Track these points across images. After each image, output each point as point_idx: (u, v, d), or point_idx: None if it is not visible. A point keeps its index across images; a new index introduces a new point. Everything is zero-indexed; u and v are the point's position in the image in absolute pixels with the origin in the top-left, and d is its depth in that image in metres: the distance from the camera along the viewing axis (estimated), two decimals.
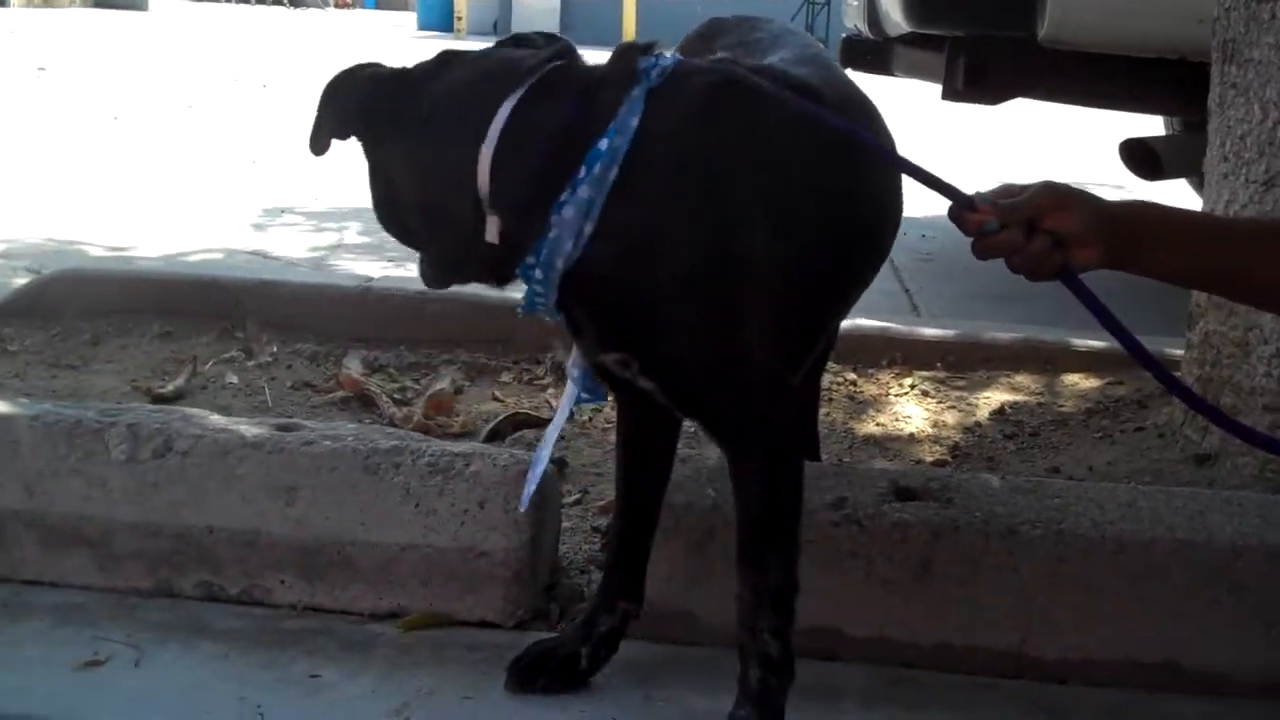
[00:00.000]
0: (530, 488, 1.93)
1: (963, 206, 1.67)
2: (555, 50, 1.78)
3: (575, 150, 1.66)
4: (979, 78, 4.12)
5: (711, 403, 1.78)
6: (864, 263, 2.07)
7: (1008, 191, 1.70)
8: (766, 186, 1.76)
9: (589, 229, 1.66)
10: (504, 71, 1.74)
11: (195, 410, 2.33)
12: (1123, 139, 4.37)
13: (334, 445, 2.16)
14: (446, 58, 1.81)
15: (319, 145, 1.87)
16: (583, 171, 1.66)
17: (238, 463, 2.15)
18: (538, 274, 1.69)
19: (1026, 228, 1.66)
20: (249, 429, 2.21)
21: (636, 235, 1.68)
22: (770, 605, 1.79)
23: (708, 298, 1.70)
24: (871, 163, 1.99)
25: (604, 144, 1.66)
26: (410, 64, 1.82)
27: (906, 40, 4.56)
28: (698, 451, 2.60)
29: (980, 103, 4.31)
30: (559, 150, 1.67)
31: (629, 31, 18.13)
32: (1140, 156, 4.28)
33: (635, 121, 1.68)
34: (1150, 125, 6.04)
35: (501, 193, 1.69)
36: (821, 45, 2.29)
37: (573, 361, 1.91)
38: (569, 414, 1.95)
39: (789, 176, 1.80)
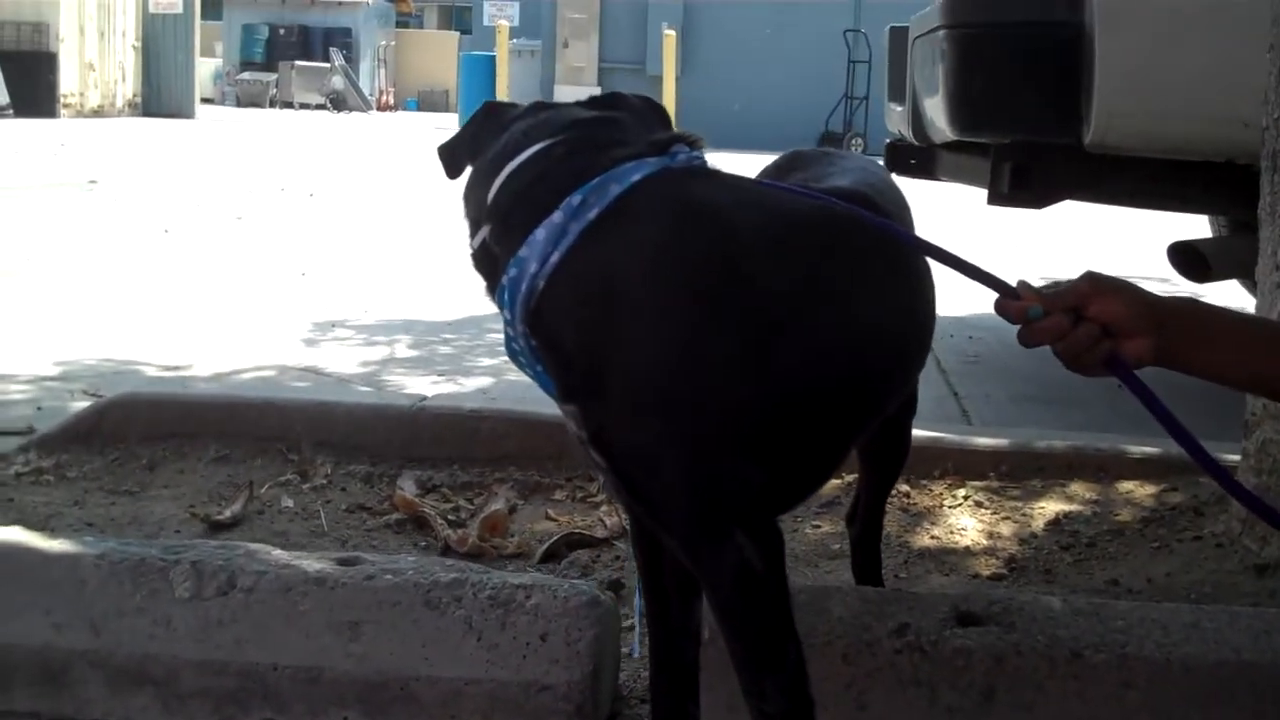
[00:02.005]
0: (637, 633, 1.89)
1: (1006, 295, 1.68)
2: (610, 114, 1.86)
3: (566, 191, 1.70)
4: (1024, 182, 4.13)
5: (665, 500, 1.67)
6: (878, 384, 1.96)
7: (1053, 286, 1.72)
8: (751, 286, 1.70)
9: (555, 258, 1.67)
10: (553, 121, 1.82)
11: (257, 545, 2.35)
12: (1171, 242, 4.37)
13: (395, 580, 2.18)
14: (535, 106, 1.92)
15: (454, 170, 1.94)
16: (575, 199, 1.69)
17: (300, 598, 2.17)
18: (506, 296, 1.71)
19: (1072, 316, 1.67)
20: (311, 564, 2.23)
21: (596, 282, 1.67)
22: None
23: (671, 373, 1.64)
24: (891, 277, 1.94)
25: (594, 181, 1.70)
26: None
27: (951, 146, 4.59)
28: None
29: (1026, 206, 4.32)
30: (553, 187, 1.71)
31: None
32: (1189, 258, 4.29)
33: (635, 178, 1.70)
34: (1197, 225, 6.05)
35: (496, 206, 1.75)
36: (886, 175, 2.30)
37: None
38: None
39: (782, 285, 1.74)
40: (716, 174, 1.83)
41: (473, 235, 1.82)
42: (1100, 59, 3.77)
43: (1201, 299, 1.81)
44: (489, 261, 1.79)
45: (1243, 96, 3.36)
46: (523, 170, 1.76)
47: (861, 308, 1.86)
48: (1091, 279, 1.70)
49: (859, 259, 1.88)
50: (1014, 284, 1.69)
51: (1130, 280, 1.73)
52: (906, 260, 2.00)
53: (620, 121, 1.84)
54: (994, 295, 1.70)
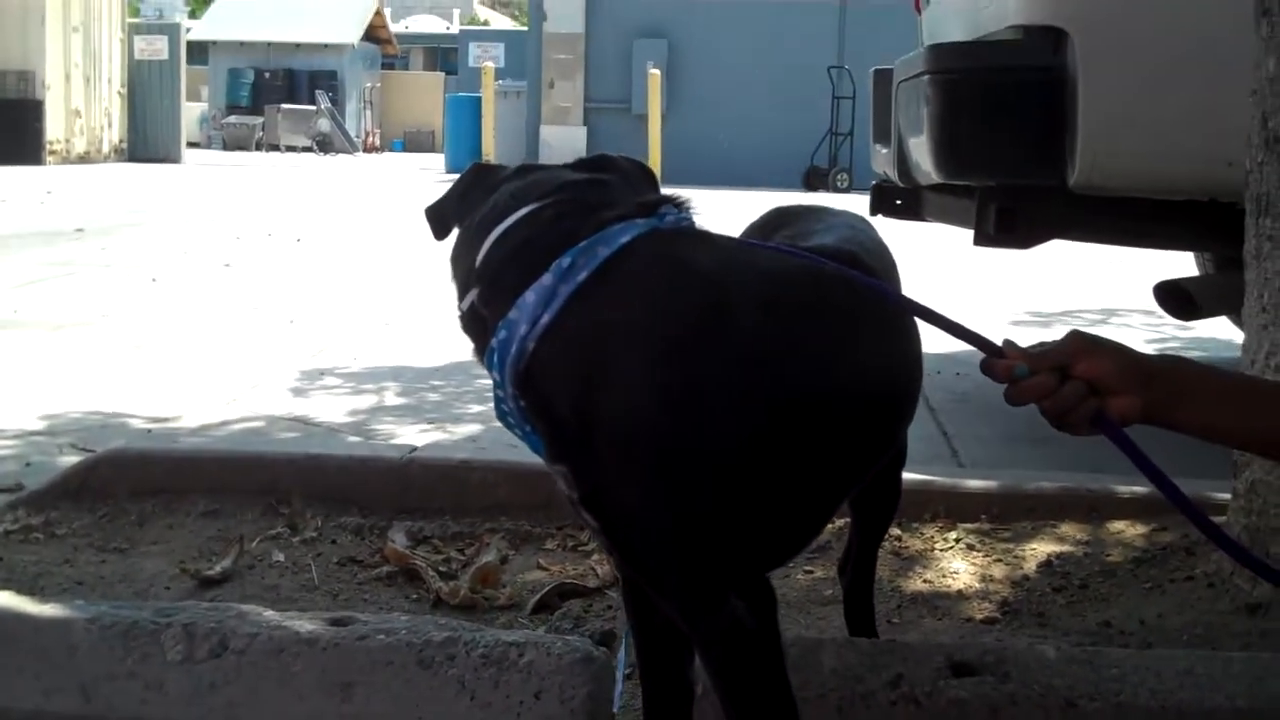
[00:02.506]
0: (619, 689, 1.90)
1: (992, 354, 1.69)
2: (598, 176, 1.87)
3: (555, 254, 1.71)
4: (1010, 224, 4.15)
5: (657, 562, 1.68)
6: (868, 439, 1.96)
7: (1039, 346, 1.72)
8: (740, 347, 1.70)
9: (545, 319, 1.67)
10: (542, 183, 1.83)
11: (249, 606, 2.34)
12: (1157, 281, 4.39)
13: (388, 639, 2.18)
14: (523, 168, 1.92)
15: (442, 231, 1.96)
16: (566, 261, 1.69)
17: (293, 660, 2.17)
18: (495, 359, 1.71)
19: (1059, 374, 1.68)
20: (303, 624, 2.23)
21: (585, 344, 1.68)
22: None
23: (654, 436, 1.64)
24: (879, 334, 1.95)
25: (584, 244, 1.70)
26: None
27: (937, 187, 4.61)
28: None
29: (1013, 247, 4.35)
30: (541, 250, 1.72)
31: (655, 163, 18.39)
32: (1176, 297, 4.30)
33: (623, 240, 1.71)
34: (1183, 261, 6.08)
35: (485, 268, 1.76)
36: (873, 233, 2.30)
37: None
38: None
39: (772, 345, 1.73)
40: (705, 235, 1.84)
41: (460, 298, 1.83)
42: (1083, 102, 3.79)
43: (1187, 356, 1.82)
44: (477, 324, 1.80)
45: (1226, 136, 3.38)
46: (511, 233, 1.77)
47: (850, 366, 1.86)
48: (1077, 337, 1.71)
49: (847, 317, 1.88)
50: (999, 343, 1.70)
51: (1117, 326, 1.74)
52: (894, 317, 1.99)
53: (609, 184, 1.85)
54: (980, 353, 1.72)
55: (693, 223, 1.83)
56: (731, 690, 1.70)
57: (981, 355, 1.72)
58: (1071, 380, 1.67)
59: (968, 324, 1.75)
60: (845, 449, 1.88)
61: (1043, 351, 1.69)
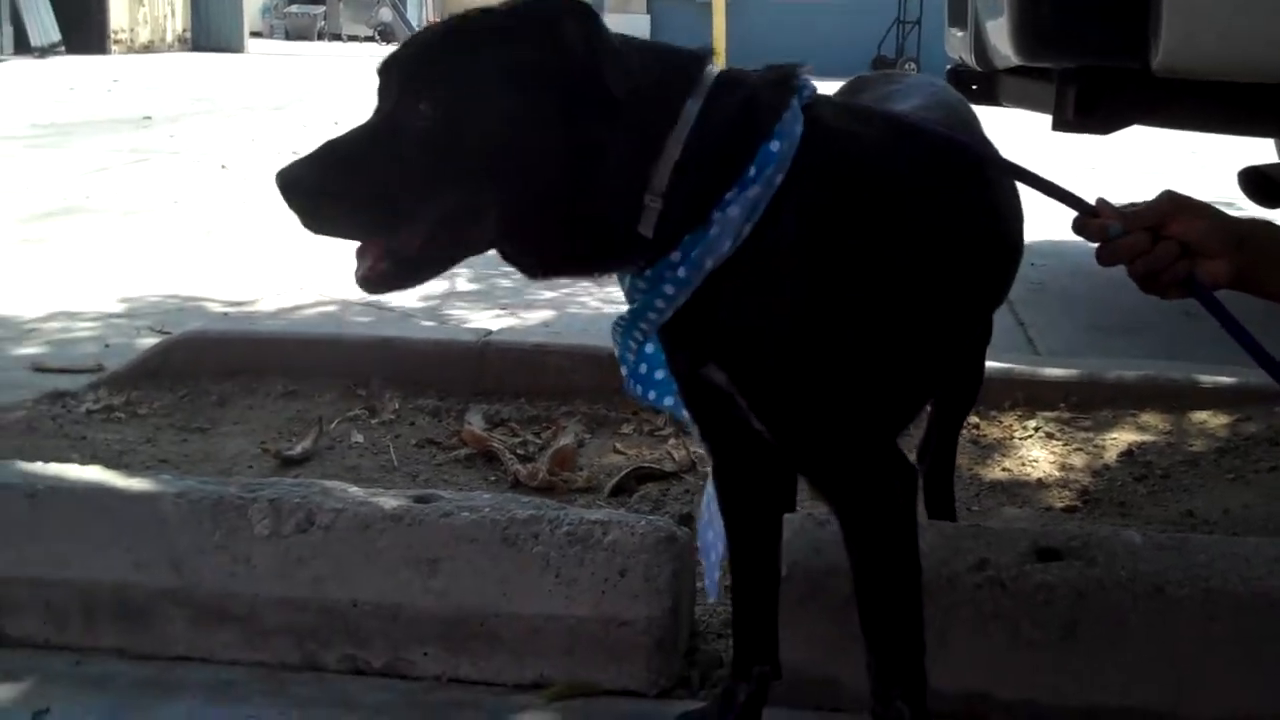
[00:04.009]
0: (715, 574, 1.89)
1: (1086, 213, 1.68)
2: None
3: (746, 149, 1.62)
4: (1090, 108, 4.04)
5: (820, 451, 1.72)
6: (990, 304, 2.10)
7: (1130, 206, 1.70)
8: (922, 219, 1.75)
9: (747, 230, 1.61)
10: (683, 64, 1.68)
11: (333, 483, 2.35)
12: (1241, 168, 4.29)
13: (472, 517, 2.18)
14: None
15: None
16: (752, 171, 1.61)
17: (378, 535, 2.18)
18: (680, 273, 1.62)
19: (1151, 234, 1.65)
20: (388, 501, 2.24)
21: (789, 248, 1.63)
22: (899, 670, 1.76)
23: (849, 331, 1.66)
24: (1006, 196, 2.02)
25: (775, 146, 1.61)
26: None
27: (1014, 71, 4.51)
28: None
29: (1092, 132, 4.24)
30: (731, 148, 1.62)
31: (720, 52, 18.17)
32: (1259, 184, 4.20)
33: (799, 129, 1.64)
34: (1259, 149, 5.95)
35: (678, 185, 1.61)
36: (955, 94, 2.28)
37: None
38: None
39: (941, 209, 1.79)
40: (856, 110, 1.80)
41: (603, 214, 1.64)
42: None
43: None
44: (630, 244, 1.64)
45: None
46: (698, 144, 1.61)
47: (987, 229, 1.94)
48: (1171, 198, 1.68)
49: (983, 185, 1.94)
50: (1092, 202, 1.68)
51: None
52: (1007, 181, 2.03)
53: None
54: (1071, 214, 1.70)
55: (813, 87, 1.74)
56: (886, 577, 1.74)
57: (1074, 216, 1.70)
58: (1164, 240, 1.64)
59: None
60: (976, 305, 2.02)
61: (1136, 211, 1.67)
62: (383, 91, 1.62)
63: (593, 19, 1.58)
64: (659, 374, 1.74)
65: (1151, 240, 1.65)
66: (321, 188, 1.58)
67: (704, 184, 1.61)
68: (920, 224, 1.74)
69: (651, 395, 1.75)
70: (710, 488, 1.92)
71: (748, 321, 1.65)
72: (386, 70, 1.62)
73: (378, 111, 1.62)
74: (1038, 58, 4.07)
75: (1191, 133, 4.92)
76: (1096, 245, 1.68)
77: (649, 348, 1.73)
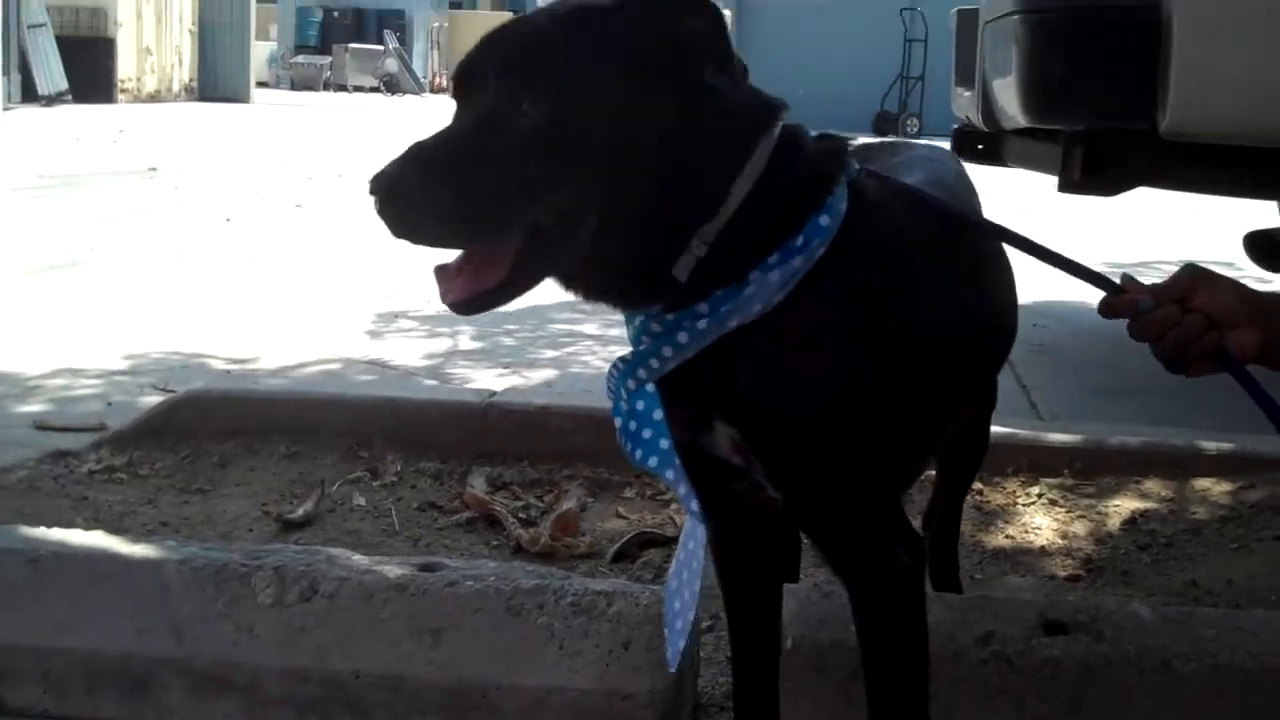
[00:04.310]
0: (680, 644, 1.86)
1: (1112, 292, 1.70)
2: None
3: (798, 217, 1.60)
4: (1097, 169, 4.06)
5: (833, 517, 1.71)
6: (989, 370, 2.18)
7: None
8: (945, 297, 1.81)
9: (779, 298, 1.59)
10: (767, 104, 1.65)
11: (337, 550, 2.34)
12: (1247, 231, 4.30)
13: (477, 586, 2.17)
14: None
15: None
16: (799, 241, 1.59)
17: (382, 605, 2.17)
18: (701, 324, 1.59)
19: (1180, 308, 1.66)
20: (392, 569, 2.23)
21: (824, 319, 1.63)
22: None
23: (872, 404, 1.66)
24: (1008, 271, 2.11)
25: (824, 220, 1.60)
26: None
27: (1021, 132, 4.53)
28: (835, 584, 2.58)
29: (1098, 194, 4.25)
30: (785, 211, 1.60)
31: None
32: (1265, 248, 4.22)
33: (844, 206, 1.63)
34: (1262, 213, 5.97)
35: (727, 234, 1.58)
36: (957, 165, 2.30)
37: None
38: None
39: (961, 288, 1.88)
40: (896, 192, 1.79)
41: (651, 246, 1.61)
42: (1178, 43, 3.69)
43: None
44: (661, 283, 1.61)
45: None
46: (762, 194, 1.60)
47: (986, 304, 2.02)
48: (1193, 271, 1.70)
49: (1000, 266, 2.07)
50: (1117, 280, 1.71)
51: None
52: (1000, 249, 2.06)
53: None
54: (1097, 293, 1.73)
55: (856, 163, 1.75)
56: (894, 652, 1.74)
57: (1102, 297, 1.72)
58: (1191, 313, 1.65)
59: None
60: (970, 380, 2.05)
61: (1162, 286, 1.68)
62: (469, 92, 1.55)
63: (718, 17, 1.55)
64: (647, 433, 1.67)
65: (1180, 314, 1.66)
66: (420, 194, 1.47)
67: (750, 241, 1.59)
68: (943, 302, 1.78)
69: (639, 454, 1.69)
70: (682, 554, 1.87)
71: (773, 386, 1.63)
72: (474, 70, 1.54)
73: (466, 112, 1.54)
74: (1045, 119, 4.10)
75: (1199, 194, 4.93)
76: (1127, 322, 1.69)
77: (640, 403, 1.67)
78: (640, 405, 1.67)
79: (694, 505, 1.68)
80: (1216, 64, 3.73)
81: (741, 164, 1.58)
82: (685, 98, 1.54)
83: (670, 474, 1.66)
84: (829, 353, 1.64)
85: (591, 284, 1.63)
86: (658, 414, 1.66)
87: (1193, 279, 1.69)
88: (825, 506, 1.71)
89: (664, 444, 1.65)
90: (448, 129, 1.53)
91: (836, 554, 1.75)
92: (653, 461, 1.67)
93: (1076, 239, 8.04)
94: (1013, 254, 1.93)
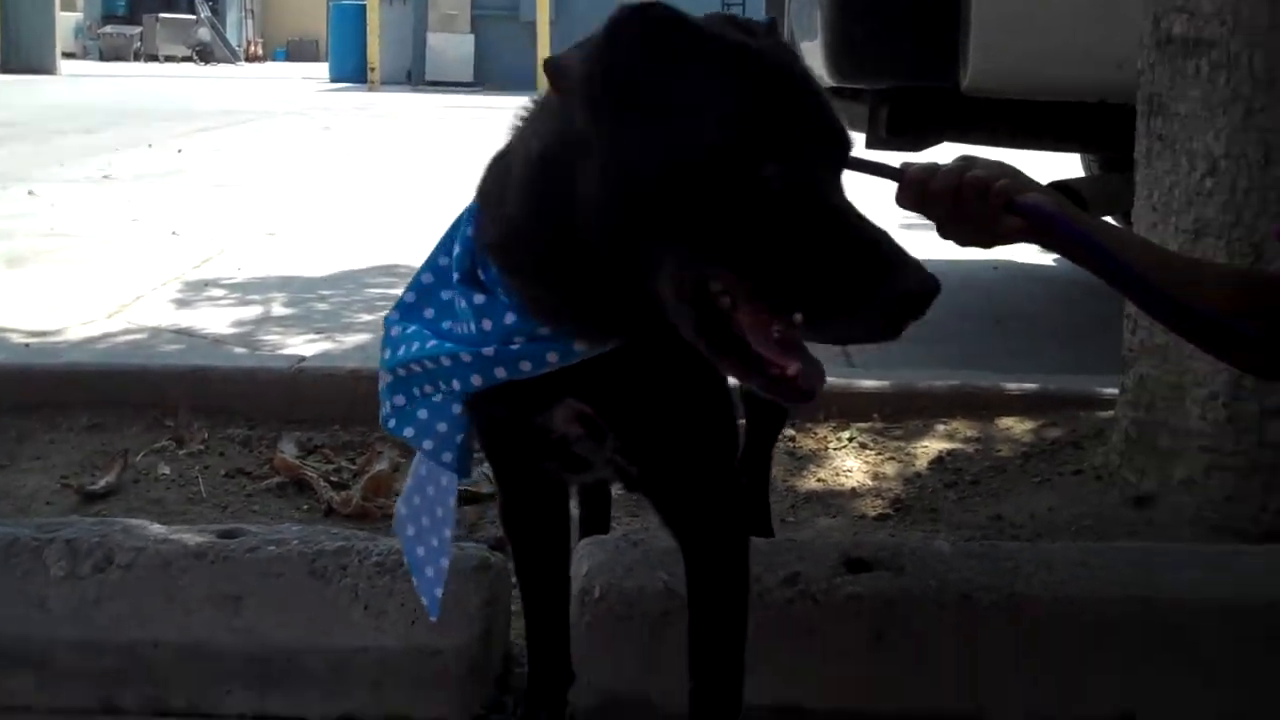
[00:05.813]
0: (435, 591, 1.85)
1: (896, 178, 1.77)
2: None
3: None
4: (902, 127, 4.17)
5: (690, 484, 1.80)
6: None
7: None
8: None
9: None
10: None
11: (135, 520, 2.28)
12: (1048, 182, 4.41)
13: (278, 550, 2.13)
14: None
15: None
16: None
17: (180, 574, 2.12)
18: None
19: (959, 174, 1.73)
20: (191, 537, 2.18)
21: None
22: (720, 696, 1.83)
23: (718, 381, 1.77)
24: None
25: None
26: None
27: (830, 91, 4.59)
28: (646, 534, 2.59)
29: (904, 150, 4.34)
30: None
31: (541, 80, 18.20)
32: (1067, 197, 4.32)
33: None
34: (1068, 164, 6.13)
35: None
36: None
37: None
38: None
39: None
40: None
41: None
42: (976, 3, 3.79)
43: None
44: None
45: (1117, 38, 3.39)
46: None
47: None
48: (964, 156, 1.77)
49: None
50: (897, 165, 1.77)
51: None
52: None
53: None
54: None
55: None
56: (714, 575, 1.83)
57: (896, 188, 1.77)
58: (971, 175, 1.71)
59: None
60: None
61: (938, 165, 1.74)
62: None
63: None
64: (442, 426, 1.75)
65: (960, 177, 1.71)
66: None
67: None
68: None
69: (392, 423, 1.78)
70: (416, 500, 1.85)
71: (641, 381, 1.70)
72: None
73: None
74: (851, 79, 4.16)
75: (1001, 149, 5.05)
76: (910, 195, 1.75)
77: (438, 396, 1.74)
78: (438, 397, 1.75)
79: (447, 457, 1.75)
80: (1012, 22, 3.83)
81: None
82: None
83: (428, 444, 1.76)
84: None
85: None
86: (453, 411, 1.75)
87: (965, 161, 1.75)
88: (679, 473, 1.79)
89: (422, 414, 1.75)
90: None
91: (680, 509, 1.82)
92: (408, 432, 1.77)
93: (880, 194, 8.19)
94: None
